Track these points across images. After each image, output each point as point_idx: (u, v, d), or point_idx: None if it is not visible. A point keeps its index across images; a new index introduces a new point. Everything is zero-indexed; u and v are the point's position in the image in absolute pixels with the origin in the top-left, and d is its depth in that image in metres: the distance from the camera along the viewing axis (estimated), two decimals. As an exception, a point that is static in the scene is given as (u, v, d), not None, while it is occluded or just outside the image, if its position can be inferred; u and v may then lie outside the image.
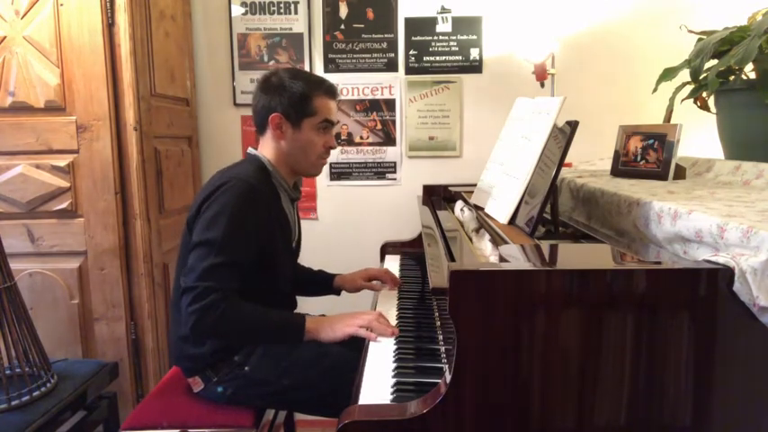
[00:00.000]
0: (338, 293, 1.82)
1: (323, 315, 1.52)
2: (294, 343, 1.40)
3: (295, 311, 1.61)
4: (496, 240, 1.25)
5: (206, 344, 1.41)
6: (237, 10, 2.40)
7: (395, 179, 2.49)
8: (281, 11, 2.40)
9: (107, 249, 1.86)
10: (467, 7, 2.39)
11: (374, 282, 1.79)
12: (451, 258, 1.24)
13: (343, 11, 2.40)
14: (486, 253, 1.27)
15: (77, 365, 1.73)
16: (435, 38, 2.41)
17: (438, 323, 1.40)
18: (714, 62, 1.58)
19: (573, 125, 1.20)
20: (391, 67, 2.43)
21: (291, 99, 1.46)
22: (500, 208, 1.43)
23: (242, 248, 1.35)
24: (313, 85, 1.49)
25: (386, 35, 2.41)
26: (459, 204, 1.79)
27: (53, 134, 1.83)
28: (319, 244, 2.48)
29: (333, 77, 2.41)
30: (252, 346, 1.43)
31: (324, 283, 1.81)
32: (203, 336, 1.37)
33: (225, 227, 1.32)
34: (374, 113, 2.45)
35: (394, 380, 1.12)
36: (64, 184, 1.85)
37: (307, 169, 1.56)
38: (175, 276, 1.51)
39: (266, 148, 1.53)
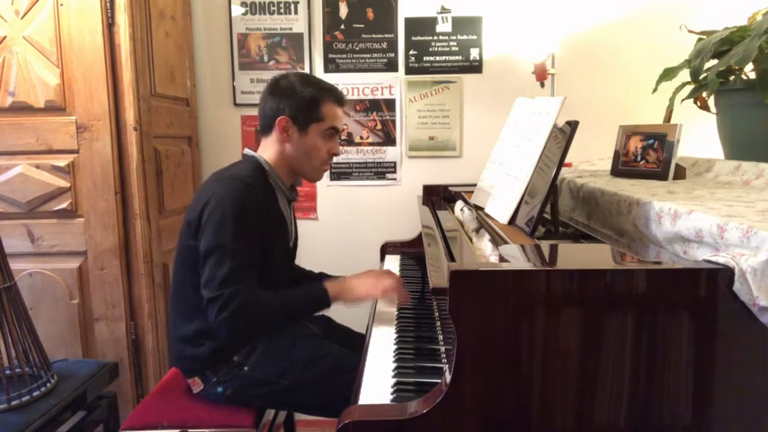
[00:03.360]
0: None
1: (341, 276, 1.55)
2: (325, 308, 1.49)
3: (309, 283, 1.62)
4: (496, 240, 1.25)
5: (204, 344, 1.41)
6: (237, 10, 2.40)
7: (395, 179, 2.49)
8: (281, 11, 2.40)
9: (107, 249, 1.86)
10: (467, 7, 2.39)
11: None
12: (451, 258, 1.24)
13: (343, 11, 2.40)
14: (486, 253, 1.27)
15: (77, 365, 1.73)
16: (435, 38, 2.41)
17: (438, 323, 1.40)
18: (714, 62, 1.58)
19: (573, 125, 1.20)
20: (391, 67, 2.43)
21: (301, 103, 1.48)
22: (500, 208, 1.44)
23: (252, 248, 1.39)
24: (323, 91, 1.51)
25: (386, 35, 2.41)
26: (459, 204, 1.79)
27: (53, 134, 1.83)
28: (319, 244, 2.48)
29: (333, 77, 2.42)
30: (251, 346, 1.43)
31: None
32: (242, 338, 1.42)
33: (233, 230, 1.35)
34: (374, 113, 2.45)
35: (394, 380, 1.12)
36: (64, 184, 1.85)
37: (309, 173, 1.58)
38: (173, 276, 1.51)
39: (267, 150, 1.54)
